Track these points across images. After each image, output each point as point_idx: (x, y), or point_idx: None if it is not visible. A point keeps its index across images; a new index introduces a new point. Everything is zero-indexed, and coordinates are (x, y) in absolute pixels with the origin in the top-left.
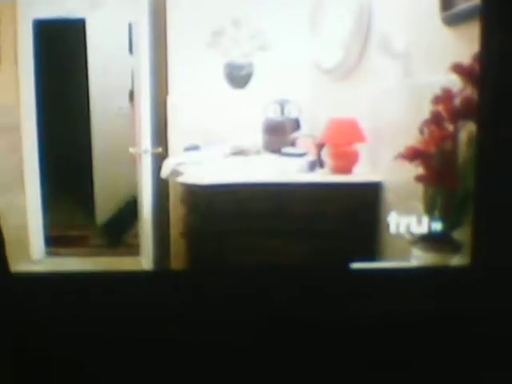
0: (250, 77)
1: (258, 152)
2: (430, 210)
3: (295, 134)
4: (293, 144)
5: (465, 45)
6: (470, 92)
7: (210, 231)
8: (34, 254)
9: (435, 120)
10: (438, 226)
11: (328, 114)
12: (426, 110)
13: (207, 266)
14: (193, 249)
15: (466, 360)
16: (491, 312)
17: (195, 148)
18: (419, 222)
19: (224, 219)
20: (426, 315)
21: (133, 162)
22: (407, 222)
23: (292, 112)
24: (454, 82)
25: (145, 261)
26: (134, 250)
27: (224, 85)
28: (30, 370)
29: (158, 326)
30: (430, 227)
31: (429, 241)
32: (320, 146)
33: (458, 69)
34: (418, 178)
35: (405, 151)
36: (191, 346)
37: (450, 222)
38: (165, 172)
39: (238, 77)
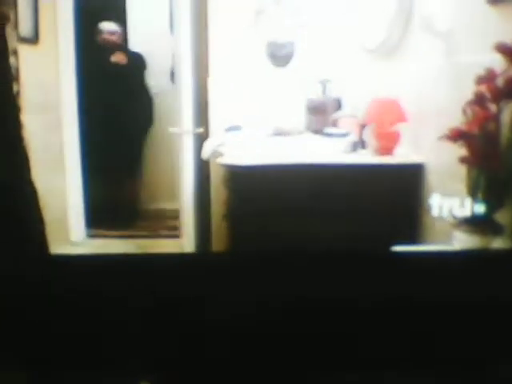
0: (291, 56)
1: (299, 132)
2: (472, 192)
3: (337, 114)
4: (335, 124)
5: (509, 24)
6: None
7: (251, 213)
8: (75, 236)
9: (478, 100)
10: (480, 209)
11: (370, 94)
12: (469, 91)
13: (248, 248)
14: (234, 231)
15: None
16: None
17: (236, 128)
18: (462, 204)
19: (265, 201)
20: (467, 298)
21: (174, 142)
22: (450, 205)
23: (334, 92)
24: (498, 62)
25: (186, 243)
26: (175, 232)
27: (266, 64)
28: (69, 350)
29: (198, 308)
30: (472, 209)
31: (471, 223)
32: (362, 127)
33: (501, 48)
34: (462, 160)
35: (448, 132)
36: (232, 328)
37: (493, 204)
38: (206, 153)
39: (280, 56)
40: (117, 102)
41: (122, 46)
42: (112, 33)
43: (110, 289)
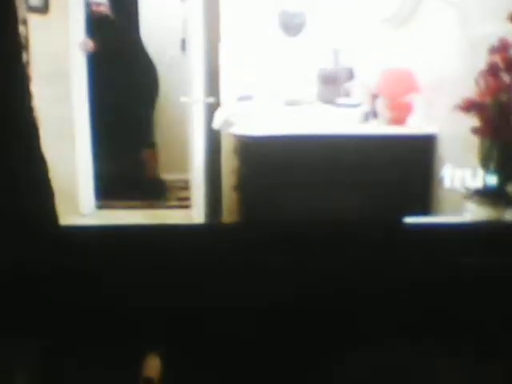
0: (303, 25)
1: (311, 102)
2: (485, 163)
3: (349, 84)
4: (347, 94)
5: None
6: None
7: (262, 183)
8: (84, 208)
9: (491, 71)
10: (492, 180)
11: (383, 64)
12: (482, 61)
13: (259, 219)
14: (245, 202)
15: None
16: None
17: (248, 98)
18: (474, 175)
19: (276, 171)
20: (479, 270)
21: (185, 112)
22: (462, 176)
23: (346, 61)
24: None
25: (196, 214)
26: (185, 202)
27: (277, 33)
28: (78, 321)
29: (209, 280)
30: (484, 181)
31: (483, 195)
32: (374, 97)
33: None
34: (474, 130)
35: (461, 102)
36: (244, 300)
37: (505, 175)
38: (217, 122)
39: (292, 25)
40: (120, 72)
41: (109, 17)
42: (98, 4)
43: (120, 261)
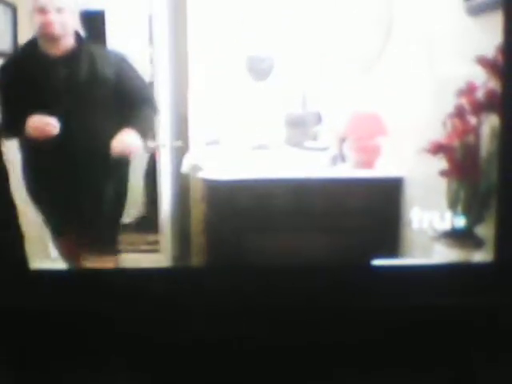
0: (270, 69)
1: (279, 146)
2: (452, 205)
3: (317, 128)
4: (315, 138)
5: (488, 36)
6: (494, 84)
7: (230, 228)
8: (54, 251)
9: (458, 113)
10: (460, 222)
11: (350, 108)
12: (449, 104)
13: (227, 263)
14: (212, 246)
15: (491, 356)
16: None
17: (216, 142)
18: (442, 217)
19: (244, 215)
20: (448, 312)
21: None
22: (430, 218)
23: (314, 105)
24: (478, 75)
25: (164, 258)
26: (154, 246)
27: (245, 78)
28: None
29: (176, 322)
30: (452, 223)
31: (451, 236)
32: (342, 140)
33: (481, 61)
34: (442, 173)
35: (428, 145)
36: (210, 344)
37: (473, 217)
38: (185, 167)
39: (260, 69)
40: None
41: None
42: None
43: (88, 303)
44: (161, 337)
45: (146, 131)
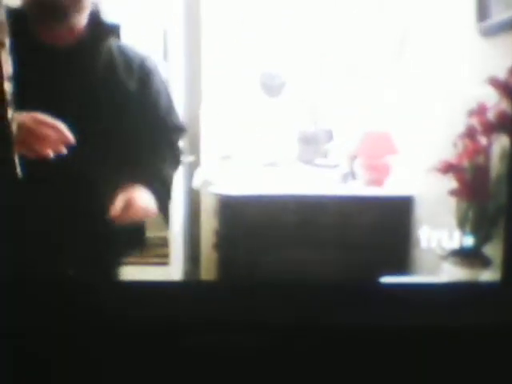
0: (282, 86)
1: (291, 163)
2: (461, 225)
3: (328, 145)
4: (325, 155)
5: (500, 57)
6: (505, 105)
7: (241, 243)
8: None
9: (469, 133)
10: (469, 241)
11: (362, 126)
12: (460, 124)
13: (238, 277)
14: (223, 260)
15: (497, 377)
16: None
17: (228, 157)
18: (450, 236)
19: (255, 231)
20: (455, 331)
21: None
22: (438, 237)
23: (326, 123)
24: (490, 95)
25: (174, 271)
26: (163, 259)
27: (258, 94)
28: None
29: (186, 337)
30: (461, 242)
31: (459, 256)
32: (353, 158)
33: (493, 82)
34: (451, 192)
35: (438, 164)
36: (221, 360)
37: (481, 236)
38: (197, 182)
39: (272, 85)
40: None
41: None
42: None
43: (91, 317)
44: (167, 351)
45: (166, 200)
